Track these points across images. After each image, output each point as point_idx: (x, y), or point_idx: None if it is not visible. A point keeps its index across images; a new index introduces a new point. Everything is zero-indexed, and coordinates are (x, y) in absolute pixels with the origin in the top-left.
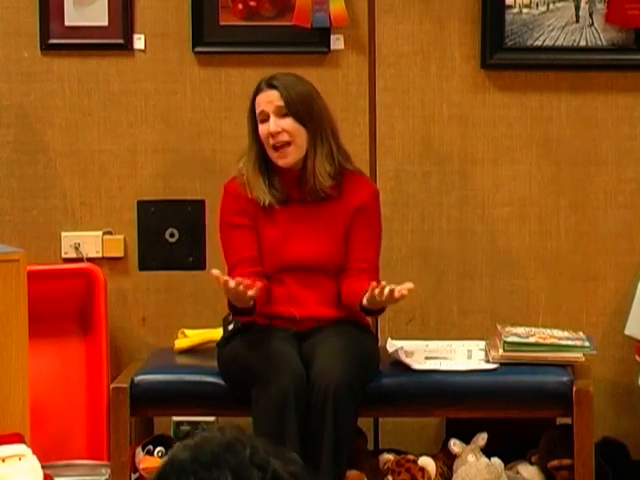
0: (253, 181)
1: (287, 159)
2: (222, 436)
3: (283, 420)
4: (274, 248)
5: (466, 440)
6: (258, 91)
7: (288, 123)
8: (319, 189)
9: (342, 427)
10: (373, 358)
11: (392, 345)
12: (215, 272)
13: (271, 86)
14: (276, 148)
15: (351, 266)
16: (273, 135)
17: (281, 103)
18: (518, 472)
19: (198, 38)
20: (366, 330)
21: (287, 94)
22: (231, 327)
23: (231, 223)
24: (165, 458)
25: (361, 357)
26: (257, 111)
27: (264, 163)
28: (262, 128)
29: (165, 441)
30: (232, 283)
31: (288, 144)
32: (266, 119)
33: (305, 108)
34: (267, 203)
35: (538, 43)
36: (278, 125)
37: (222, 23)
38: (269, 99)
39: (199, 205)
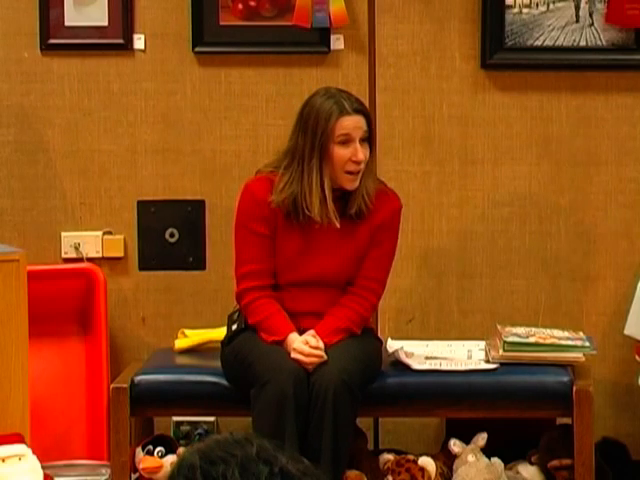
0: (313, 198)
1: (356, 183)
2: (230, 436)
3: (282, 420)
4: (292, 261)
5: (466, 440)
6: (343, 112)
7: (367, 152)
8: (365, 209)
9: (341, 427)
10: (375, 360)
11: (392, 345)
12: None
13: (359, 111)
14: (351, 172)
15: (359, 283)
16: (357, 162)
17: (365, 129)
18: (518, 472)
19: (198, 38)
20: (369, 332)
21: (370, 122)
22: (235, 326)
23: (249, 227)
24: (176, 461)
25: (362, 358)
26: (339, 132)
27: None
28: (343, 151)
29: (165, 441)
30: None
31: (360, 171)
32: (349, 143)
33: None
34: (319, 219)
35: (538, 43)
36: (364, 154)
37: (222, 23)
38: (358, 124)
39: (199, 205)
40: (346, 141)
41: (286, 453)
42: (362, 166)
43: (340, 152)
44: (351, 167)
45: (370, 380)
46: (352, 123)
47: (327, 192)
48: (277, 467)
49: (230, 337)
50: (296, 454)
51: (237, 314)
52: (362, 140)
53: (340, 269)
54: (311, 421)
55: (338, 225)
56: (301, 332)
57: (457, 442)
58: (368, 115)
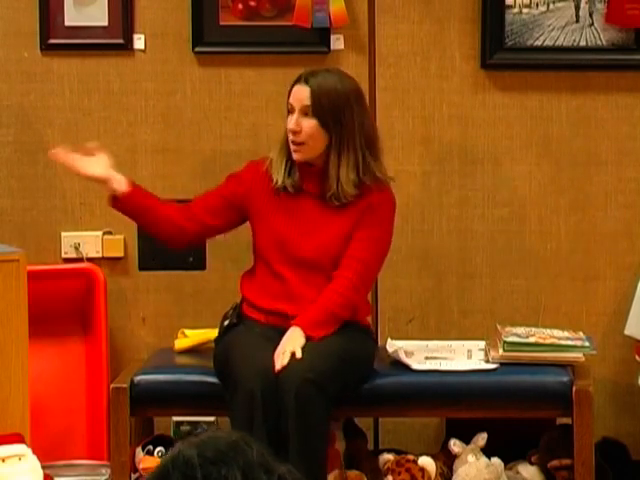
0: (276, 162)
1: (298, 155)
2: (228, 436)
3: (251, 422)
4: (282, 237)
5: (466, 440)
6: (297, 81)
7: (310, 125)
8: (342, 196)
9: (310, 428)
10: (360, 358)
11: (392, 345)
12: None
13: (307, 82)
14: (292, 142)
15: (342, 262)
16: (292, 132)
17: (308, 103)
18: (518, 472)
19: (198, 38)
20: (364, 331)
21: (317, 96)
22: (227, 323)
23: (227, 179)
24: (168, 454)
25: (339, 355)
26: (288, 101)
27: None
28: (288, 119)
29: (165, 441)
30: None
31: (302, 144)
32: (292, 112)
33: (333, 114)
34: (282, 185)
35: (538, 43)
36: (298, 124)
37: (222, 23)
38: (300, 95)
39: None
40: (291, 110)
41: (280, 462)
42: (301, 138)
43: (287, 120)
44: (290, 136)
45: (354, 379)
46: (296, 92)
47: (287, 157)
48: (275, 476)
49: (221, 335)
50: (290, 466)
51: (230, 312)
52: (304, 114)
53: (326, 249)
54: (280, 423)
55: (292, 190)
56: (290, 318)
57: (457, 442)
58: (318, 90)
